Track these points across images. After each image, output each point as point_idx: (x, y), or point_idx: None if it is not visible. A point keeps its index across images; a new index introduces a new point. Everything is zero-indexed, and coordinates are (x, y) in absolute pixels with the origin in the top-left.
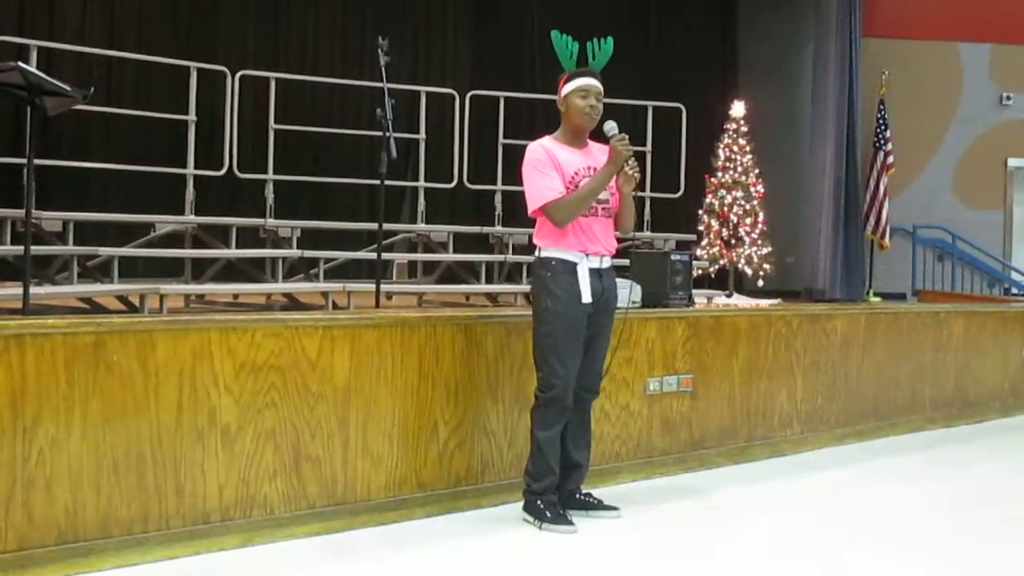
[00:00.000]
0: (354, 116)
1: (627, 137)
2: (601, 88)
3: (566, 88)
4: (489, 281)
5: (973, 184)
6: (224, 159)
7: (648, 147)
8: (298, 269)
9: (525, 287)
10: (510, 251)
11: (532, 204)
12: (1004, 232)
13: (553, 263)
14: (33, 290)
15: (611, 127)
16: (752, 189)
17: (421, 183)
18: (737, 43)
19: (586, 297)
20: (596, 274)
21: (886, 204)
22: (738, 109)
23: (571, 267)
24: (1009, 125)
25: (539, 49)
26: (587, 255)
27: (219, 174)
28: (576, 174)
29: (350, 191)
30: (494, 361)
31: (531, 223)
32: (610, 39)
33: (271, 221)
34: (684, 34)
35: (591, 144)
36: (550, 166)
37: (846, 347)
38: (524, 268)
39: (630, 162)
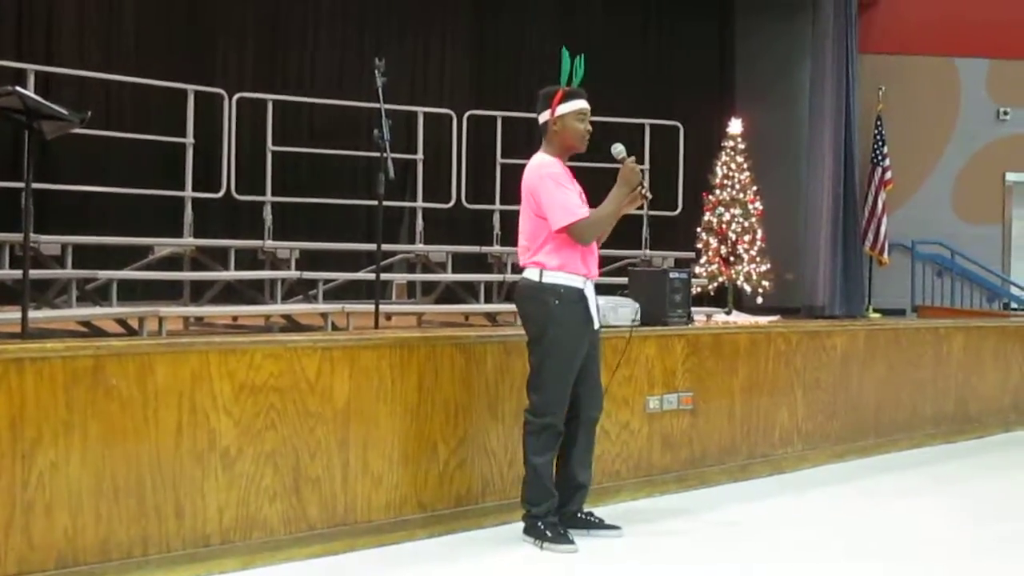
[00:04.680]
0: (352, 137)
1: (635, 158)
2: None
3: (564, 107)
4: (488, 301)
5: (971, 199)
6: (222, 181)
7: (646, 165)
8: (297, 290)
9: None
10: (509, 271)
11: (561, 220)
12: (1003, 247)
13: (561, 290)
14: (32, 314)
15: (620, 150)
16: (750, 206)
17: (419, 203)
18: (734, 60)
19: (596, 323)
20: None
21: (884, 220)
22: (735, 126)
23: (579, 294)
24: (1007, 140)
25: (537, 69)
26: (587, 279)
27: (217, 196)
28: (580, 194)
29: (348, 212)
30: (494, 381)
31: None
32: (582, 57)
33: (269, 243)
34: (681, 52)
35: None
36: (570, 181)
37: (846, 364)
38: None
39: (644, 183)
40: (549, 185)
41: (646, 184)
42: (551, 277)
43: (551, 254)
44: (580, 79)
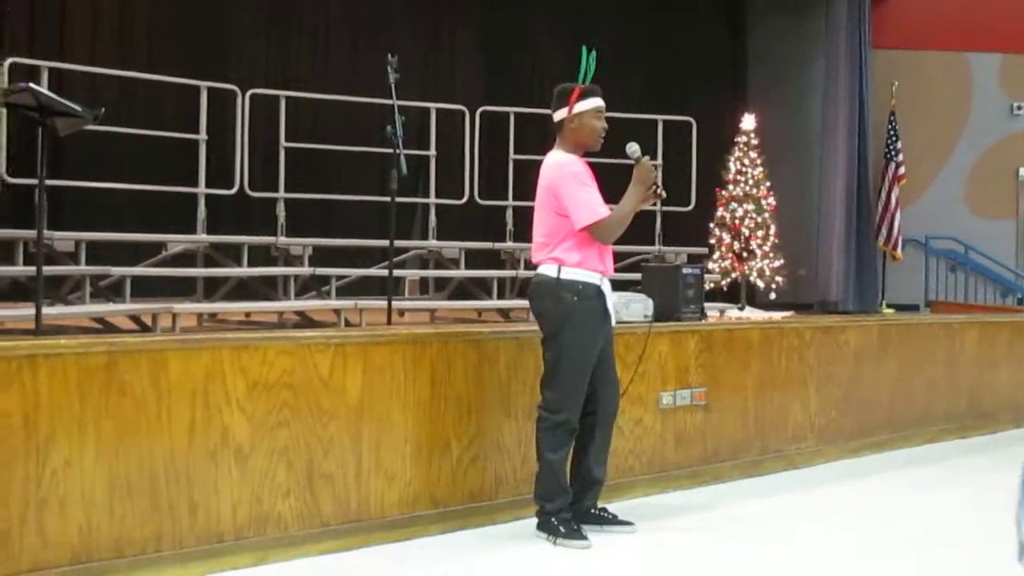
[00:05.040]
0: (365, 134)
1: (649, 157)
2: None
3: (582, 105)
4: (501, 297)
5: (985, 194)
6: (235, 178)
7: (659, 161)
8: (310, 287)
9: None
10: (521, 267)
11: (585, 219)
12: (1017, 242)
13: (580, 287)
14: (45, 310)
15: (635, 149)
16: (763, 202)
17: (432, 199)
18: (746, 56)
19: (613, 319)
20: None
21: (898, 215)
22: (748, 122)
23: (597, 290)
24: (1020, 135)
25: (549, 65)
26: (604, 276)
27: (230, 193)
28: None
29: (361, 208)
30: (506, 377)
31: None
32: (593, 55)
33: (282, 239)
34: (694, 48)
35: None
36: (591, 179)
37: (859, 359)
38: None
39: (658, 181)
40: (572, 183)
41: (660, 182)
42: (569, 274)
43: (570, 251)
44: (592, 76)
